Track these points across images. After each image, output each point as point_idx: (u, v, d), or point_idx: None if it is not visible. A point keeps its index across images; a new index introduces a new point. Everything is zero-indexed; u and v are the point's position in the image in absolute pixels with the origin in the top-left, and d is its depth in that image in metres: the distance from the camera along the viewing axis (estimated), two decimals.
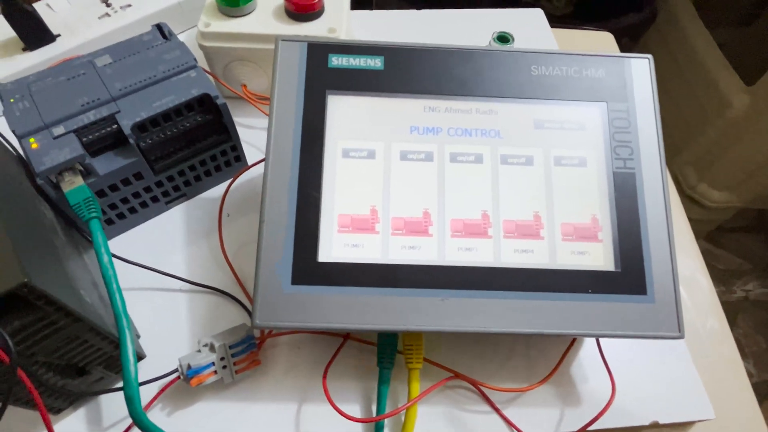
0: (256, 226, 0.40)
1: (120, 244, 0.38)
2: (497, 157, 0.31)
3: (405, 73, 0.31)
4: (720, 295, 0.41)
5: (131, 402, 0.26)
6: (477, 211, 0.30)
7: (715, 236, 1.05)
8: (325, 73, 0.31)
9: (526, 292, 0.28)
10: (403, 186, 0.30)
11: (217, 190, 0.41)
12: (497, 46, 0.44)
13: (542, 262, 0.29)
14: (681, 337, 0.28)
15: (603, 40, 0.57)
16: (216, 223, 0.39)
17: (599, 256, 0.29)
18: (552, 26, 0.56)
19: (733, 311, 0.98)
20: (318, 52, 0.31)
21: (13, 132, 0.32)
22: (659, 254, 0.29)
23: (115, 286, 0.28)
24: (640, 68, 0.32)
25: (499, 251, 0.29)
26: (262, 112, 0.44)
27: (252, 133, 0.44)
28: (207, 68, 0.43)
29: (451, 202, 0.30)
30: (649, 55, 0.33)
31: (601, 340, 0.33)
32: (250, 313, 0.35)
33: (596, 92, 0.32)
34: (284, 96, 0.30)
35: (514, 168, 0.31)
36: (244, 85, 0.43)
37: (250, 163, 0.41)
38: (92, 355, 0.28)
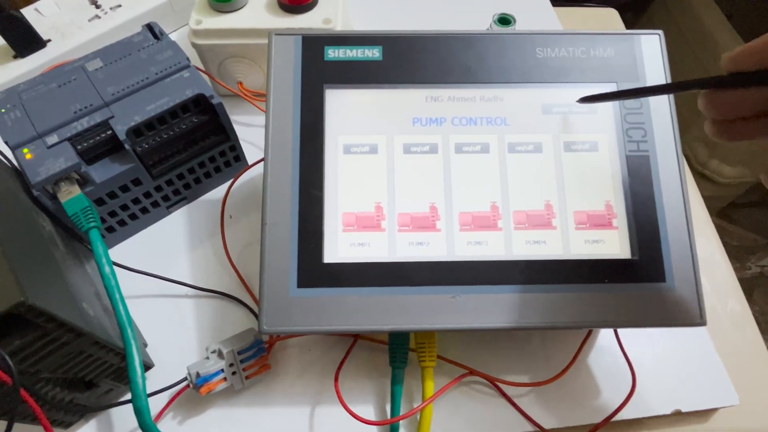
0: (259, 226, 0.39)
1: (122, 251, 0.37)
2: (504, 146, 0.30)
3: (404, 62, 0.30)
4: (735, 271, 0.39)
5: (140, 414, 0.26)
6: (485, 202, 0.29)
7: (727, 212, 1.03)
8: (322, 67, 0.30)
9: (540, 284, 0.27)
10: (408, 180, 0.29)
11: (218, 192, 0.40)
12: (499, 28, 0.43)
13: (556, 252, 0.28)
14: (703, 324, 0.27)
15: (607, 17, 0.55)
16: (218, 226, 0.38)
17: (615, 244, 0.28)
18: (553, 4, 0.54)
19: (748, 287, 0.96)
20: (313, 45, 0.30)
21: (6, 143, 0.31)
22: (677, 239, 0.28)
23: (118, 296, 0.28)
24: (651, 45, 0.31)
25: (511, 243, 0.28)
26: (260, 109, 0.42)
27: (251, 131, 0.43)
28: (201, 67, 0.42)
29: (459, 194, 0.29)
30: (660, 31, 0.31)
31: (619, 329, 0.32)
32: (257, 316, 0.35)
33: (605, 73, 0.30)
34: (280, 93, 0.29)
35: (523, 156, 0.29)
36: (240, 83, 0.42)
37: (250, 162, 0.40)
38: (99, 368, 0.27)
